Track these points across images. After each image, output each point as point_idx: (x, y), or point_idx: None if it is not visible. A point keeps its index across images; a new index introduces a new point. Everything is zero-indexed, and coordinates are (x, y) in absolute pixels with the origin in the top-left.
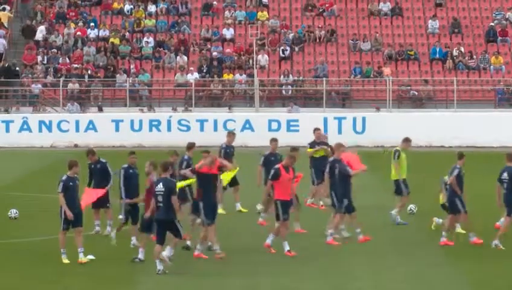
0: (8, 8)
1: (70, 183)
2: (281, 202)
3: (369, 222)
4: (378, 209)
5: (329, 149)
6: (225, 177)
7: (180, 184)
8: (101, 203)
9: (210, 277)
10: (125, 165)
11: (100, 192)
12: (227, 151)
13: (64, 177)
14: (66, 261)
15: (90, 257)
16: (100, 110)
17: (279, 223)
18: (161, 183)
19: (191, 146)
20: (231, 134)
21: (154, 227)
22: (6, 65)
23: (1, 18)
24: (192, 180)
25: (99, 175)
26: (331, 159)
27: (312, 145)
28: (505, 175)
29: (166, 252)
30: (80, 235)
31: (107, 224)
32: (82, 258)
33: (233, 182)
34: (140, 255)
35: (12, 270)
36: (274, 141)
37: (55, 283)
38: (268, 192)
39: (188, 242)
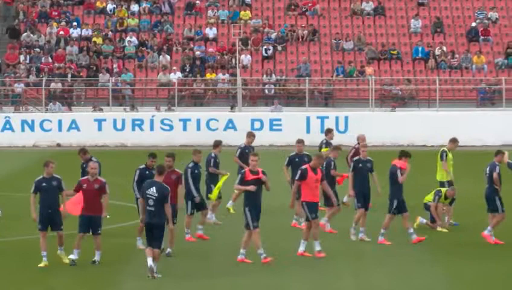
0: None
1: (43, 184)
2: (307, 203)
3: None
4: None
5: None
6: (216, 192)
7: (215, 192)
8: None
9: (192, 278)
10: (142, 166)
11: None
12: (246, 152)
13: (37, 178)
14: (42, 264)
15: (72, 257)
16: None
17: (308, 224)
18: (154, 188)
19: (217, 144)
20: (251, 135)
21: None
22: None
23: None
24: (226, 177)
25: None
26: (356, 158)
27: (327, 144)
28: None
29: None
30: (61, 239)
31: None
32: (61, 253)
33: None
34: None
35: None
36: (300, 142)
37: (39, 283)
38: (294, 193)
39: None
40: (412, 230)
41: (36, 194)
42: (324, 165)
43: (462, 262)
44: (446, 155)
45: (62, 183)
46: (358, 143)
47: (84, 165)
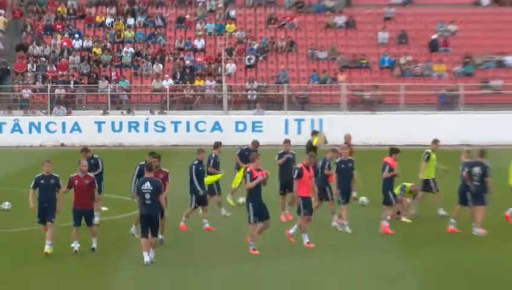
0: (2, 12)
1: (42, 181)
2: (302, 199)
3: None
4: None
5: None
6: (210, 179)
7: (209, 179)
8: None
9: (188, 266)
10: (142, 163)
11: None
12: (246, 153)
13: (37, 175)
14: (46, 250)
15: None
16: (163, 112)
17: (301, 217)
18: (148, 182)
19: (217, 145)
20: (256, 143)
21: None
22: (3, 67)
23: None
24: (220, 175)
25: (94, 168)
26: (338, 160)
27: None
28: (477, 170)
29: (150, 255)
30: (50, 228)
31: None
32: (48, 249)
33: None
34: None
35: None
36: (286, 142)
37: (43, 270)
38: (296, 190)
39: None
40: (389, 218)
41: (35, 189)
42: (320, 164)
43: (429, 251)
44: (429, 156)
45: (59, 181)
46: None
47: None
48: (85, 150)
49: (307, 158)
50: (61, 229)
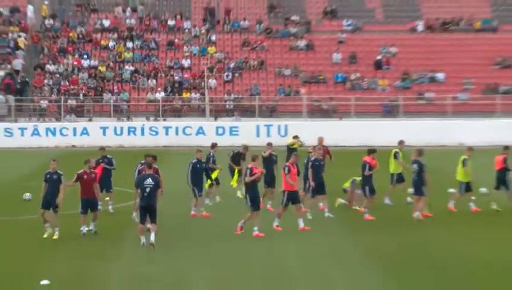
0: (24, 35)
1: (48, 176)
2: (288, 192)
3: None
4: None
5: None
6: (214, 174)
7: (213, 174)
8: (104, 187)
9: (183, 247)
10: (143, 161)
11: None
12: (237, 155)
13: (46, 171)
14: (45, 235)
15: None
16: (157, 119)
17: (282, 208)
18: (150, 178)
19: (214, 145)
20: (246, 147)
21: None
22: (24, 80)
23: (19, 43)
24: (218, 170)
25: (109, 165)
26: (313, 158)
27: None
28: (415, 166)
29: (152, 238)
30: (54, 217)
31: (109, 204)
32: (53, 234)
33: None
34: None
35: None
36: (269, 144)
37: (49, 253)
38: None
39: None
40: (366, 210)
41: (46, 183)
42: (307, 162)
43: (377, 235)
44: (398, 154)
45: (61, 177)
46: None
47: (100, 160)
48: (102, 148)
49: (293, 158)
50: (69, 216)
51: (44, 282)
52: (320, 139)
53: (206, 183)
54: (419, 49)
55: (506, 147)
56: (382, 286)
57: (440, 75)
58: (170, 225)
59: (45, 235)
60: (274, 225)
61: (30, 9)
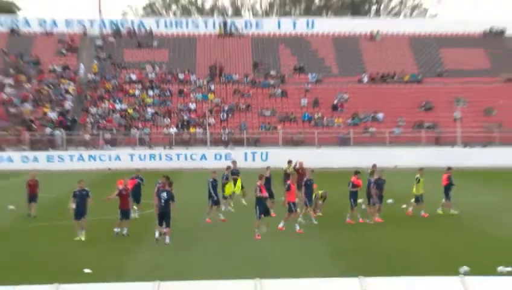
0: (72, 83)
1: (77, 193)
2: (291, 203)
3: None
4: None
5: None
6: (229, 189)
7: (228, 189)
8: (135, 199)
9: (199, 247)
10: (160, 181)
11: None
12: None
13: (75, 189)
14: (77, 238)
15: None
16: (171, 148)
17: (289, 214)
18: (165, 193)
19: (228, 167)
20: (265, 173)
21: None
22: (73, 118)
23: (69, 90)
24: (231, 186)
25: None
26: (306, 178)
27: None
28: (372, 182)
29: (167, 239)
30: (83, 223)
31: (136, 211)
32: (81, 237)
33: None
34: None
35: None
36: (267, 168)
37: (77, 252)
38: (285, 197)
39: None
40: (359, 215)
41: (74, 198)
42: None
43: (342, 233)
44: (419, 179)
45: (89, 193)
46: (299, 167)
47: (135, 176)
48: (137, 170)
49: (292, 177)
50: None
51: (87, 270)
52: (301, 163)
53: (226, 191)
54: (364, 96)
55: (449, 168)
56: (344, 272)
57: (380, 115)
58: (185, 228)
59: (77, 238)
60: (279, 226)
61: (82, 67)
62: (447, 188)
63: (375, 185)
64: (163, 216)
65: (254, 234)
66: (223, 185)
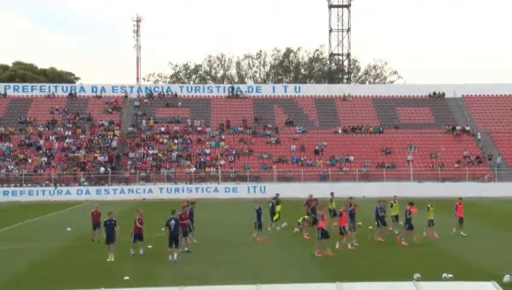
0: (117, 127)
1: (107, 222)
2: (342, 227)
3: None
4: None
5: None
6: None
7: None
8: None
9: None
10: (257, 207)
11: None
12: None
13: (105, 219)
14: (108, 259)
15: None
16: (191, 183)
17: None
18: (173, 220)
19: (274, 197)
20: (312, 198)
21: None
22: (116, 161)
23: (114, 140)
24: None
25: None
26: (350, 208)
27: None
28: (351, 209)
29: (176, 256)
30: (112, 247)
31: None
32: (111, 258)
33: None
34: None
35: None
36: (277, 194)
37: (109, 269)
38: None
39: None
40: (345, 239)
41: (104, 227)
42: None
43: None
44: (429, 208)
45: (116, 222)
46: (314, 199)
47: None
48: (193, 203)
49: (322, 205)
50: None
51: (126, 278)
52: (310, 196)
53: (274, 217)
54: (339, 143)
55: (411, 203)
56: (322, 277)
57: (351, 157)
58: (202, 251)
59: (108, 259)
60: (336, 246)
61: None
62: (461, 219)
63: (350, 214)
64: (174, 239)
65: (315, 252)
66: (271, 210)
